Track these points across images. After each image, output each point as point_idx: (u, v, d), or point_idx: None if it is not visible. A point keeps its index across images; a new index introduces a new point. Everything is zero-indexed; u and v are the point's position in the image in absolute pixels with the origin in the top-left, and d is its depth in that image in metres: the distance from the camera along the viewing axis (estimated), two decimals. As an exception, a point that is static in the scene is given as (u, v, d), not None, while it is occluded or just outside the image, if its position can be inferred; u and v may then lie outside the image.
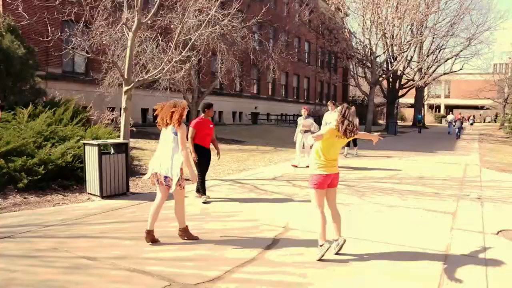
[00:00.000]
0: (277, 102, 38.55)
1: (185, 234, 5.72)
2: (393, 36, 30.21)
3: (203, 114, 8.24)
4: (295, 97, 43.05)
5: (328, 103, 13.54)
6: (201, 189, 8.16)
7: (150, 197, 8.26)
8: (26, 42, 13.12)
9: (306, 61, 44.13)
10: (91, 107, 13.64)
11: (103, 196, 8.01)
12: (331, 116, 10.52)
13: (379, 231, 6.27)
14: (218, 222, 6.59)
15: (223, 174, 11.28)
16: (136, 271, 4.55)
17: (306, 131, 12.92)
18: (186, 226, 5.77)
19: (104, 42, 11.92)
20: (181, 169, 5.46)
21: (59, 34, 9.92)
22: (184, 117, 5.52)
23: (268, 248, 5.43)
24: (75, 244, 5.39)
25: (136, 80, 10.30)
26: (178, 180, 5.39)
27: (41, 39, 11.17)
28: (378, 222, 6.78)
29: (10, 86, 12.33)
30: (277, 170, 12.26)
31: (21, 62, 12.36)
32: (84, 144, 8.39)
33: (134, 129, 15.46)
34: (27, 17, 9.37)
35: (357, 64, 33.32)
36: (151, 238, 5.48)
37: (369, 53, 30.84)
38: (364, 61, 31.71)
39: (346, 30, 34.11)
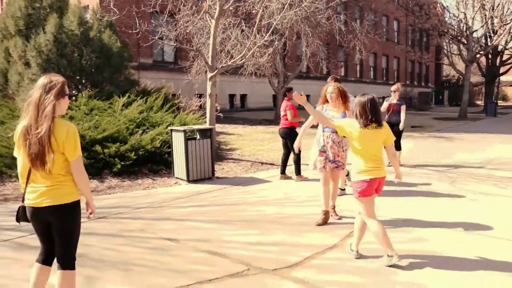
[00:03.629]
0: (366, 84, 37.40)
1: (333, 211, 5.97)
2: (493, 7, 27.95)
3: (285, 98, 8.58)
4: (384, 78, 41.54)
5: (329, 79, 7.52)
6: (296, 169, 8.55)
7: (235, 181, 8.42)
8: (120, 36, 13.85)
9: (395, 41, 42.31)
10: (179, 94, 14.11)
11: (190, 180, 8.26)
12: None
13: (471, 220, 5.83)
14: (300, 207, 6.53)
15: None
16: (216, 254, 4.63)
17: None
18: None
19: (188, 31, 12.22)
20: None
21: (146, 26, 10.31)
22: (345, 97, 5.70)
23: (350, 235, 5.26)
24: (160, 226, 5.61)
25: (220, 66, 10.45)
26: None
27: (130, 31, 11.71)
28: (470, 211, 6.31)
29: (108, 77, 13.13)
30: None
31: (118, 55, 13.07)
32: (171, 130, 8.69)
33: (221, 114, 15.76)
34: (117, 12, 9.84)
35: (451, 41, 31.31)
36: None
37: (464, 28, 28.82)
38: (459, 37, 29.69)
39: (438, 4, 32.12)
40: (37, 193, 2.96)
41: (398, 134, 9.63)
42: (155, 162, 9.12)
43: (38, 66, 11.67)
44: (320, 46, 18.87)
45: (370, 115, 4.16)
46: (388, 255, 4.27)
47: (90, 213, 3.27)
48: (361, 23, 23.75)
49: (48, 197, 2.94)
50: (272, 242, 5.00)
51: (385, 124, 4.33)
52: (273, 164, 10.23)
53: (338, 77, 7.23)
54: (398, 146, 9.76)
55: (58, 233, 3.04)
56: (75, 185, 3.04)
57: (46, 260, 3.16)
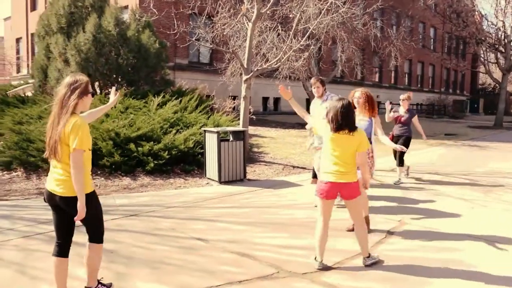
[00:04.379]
0: (400, 90, 36.63)
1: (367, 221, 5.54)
2: (533, 17, 27.02)
3: None
4: (418, 85, 40.74)
5: (313, 80, 6.87)
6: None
7: (266, 184, 8.34)
8: (158, 37, 13.98)
9: (431, 48, 41.42)
10: (213, 95, 14.13)
11: (221, 181, 8.22)
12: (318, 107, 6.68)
13: (505, 232, 5.56)
14: (332, 212, 6.37)
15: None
16: (246, 255, 4.56)
17: None
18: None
19: (225, 33, 12.25)
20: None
21: (184, 27, 10.37)
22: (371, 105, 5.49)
23: (381, 242, 5.12)
24: (191, 225, 5.58)
25: (255, 69, 10.41)
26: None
27: (168, 32, 11.81)
28: (505, 222, 6.04)
29: (144, 77, 13.27)
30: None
31: (155, 55, 13.19)
32: (205, 131, 8.68)
33: (254, 117, 15.71)
34: (156, 12, 9.94)
35: (488, 50, 30.40)
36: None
37: (502, 36, 27.98)
38: (497, 46, 28.83)
39: (476, 12, 31.26)
40: (52, 179, 3.27)
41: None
42: (188, 162, 9.13)
43: (77, 65, 11.87)
44: (355, 51, 18.61)
45: (341, 121, 4.10)
46: (315, 259, 4.32)
47: (76, 217, 3.18)
48: (397, 30, 23.36)
49: (61, 187, 3.20)
50: (302, 246, 4.89)
51: (359, 130, 4.23)
52: (304, 168, 10.11)
53: (323, 78, 6.87)
54: (401, 162, 8.79)
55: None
56: (87, 178, 3.25)
57: (61, 252, 3.36)
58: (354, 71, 21.29)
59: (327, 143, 4.27)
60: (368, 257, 4.40)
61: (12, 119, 9.94)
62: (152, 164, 8.49)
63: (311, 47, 12.54)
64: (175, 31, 10.16)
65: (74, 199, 3.14)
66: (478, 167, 10.91)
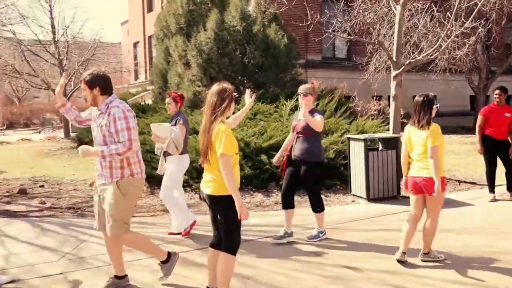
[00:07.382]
0: None
1: None
2: None
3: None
4: None
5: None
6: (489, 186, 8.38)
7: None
8: (286, 30, 14.33)
9: None
10: (355, 96, 14.09)
11: (370, 199, 8.19)
12: None
13: None
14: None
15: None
16: (406, 289, 4.50)
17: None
18: None
19: (367, 21, 12.16)
20: None
21: (318, 17, 10.50)
22: None
23: None
24: (337, 251, 5.66)
25: (407, 62, 10.19)
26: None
27: (300, 24, 12.04)
28: None
29: (272, 77, 13.69)
30: None
31: (285, 53, 13.57)
32: (348, 138, 8.72)
33: (405, 120, 15.34)
34: (286, 2, 10.21)
35: None
36: None
37: None
38: None
39: None
40: (203, 181, 4.10)
41: None
42: (329, 176, 9.20)
43: (198, 67, 12.65)
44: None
45: (418, 115, 5.04)
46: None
47: (240, 218, 3.87)
48: None
49: (207, 186, 4.01)
50: (476, 284, 4.66)
51: (433, 125, 4.95)
52: (474, 183, 9.65)
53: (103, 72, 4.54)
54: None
55: (218, 219, 4.06)
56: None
57: (214, 244, 4.20)
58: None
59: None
60: (427, 253, 5.18)
61: (134, 129, 10.85)
62: (286, 178, 8.72)
63: (479, 30, 11.90)
64: (309, 22, 10.32)
65: (218, 199, 3.93)
66: None
